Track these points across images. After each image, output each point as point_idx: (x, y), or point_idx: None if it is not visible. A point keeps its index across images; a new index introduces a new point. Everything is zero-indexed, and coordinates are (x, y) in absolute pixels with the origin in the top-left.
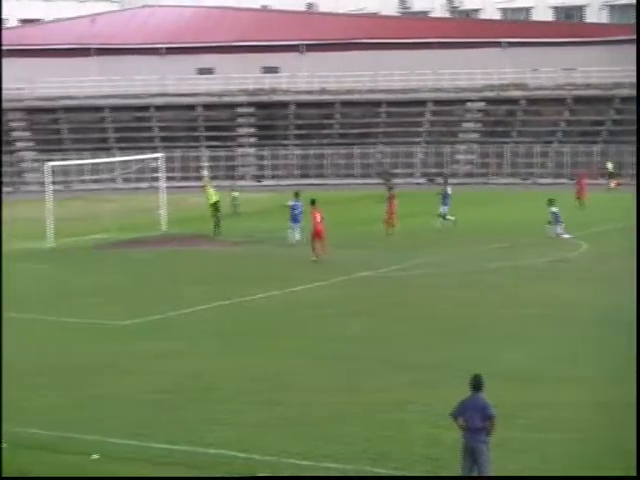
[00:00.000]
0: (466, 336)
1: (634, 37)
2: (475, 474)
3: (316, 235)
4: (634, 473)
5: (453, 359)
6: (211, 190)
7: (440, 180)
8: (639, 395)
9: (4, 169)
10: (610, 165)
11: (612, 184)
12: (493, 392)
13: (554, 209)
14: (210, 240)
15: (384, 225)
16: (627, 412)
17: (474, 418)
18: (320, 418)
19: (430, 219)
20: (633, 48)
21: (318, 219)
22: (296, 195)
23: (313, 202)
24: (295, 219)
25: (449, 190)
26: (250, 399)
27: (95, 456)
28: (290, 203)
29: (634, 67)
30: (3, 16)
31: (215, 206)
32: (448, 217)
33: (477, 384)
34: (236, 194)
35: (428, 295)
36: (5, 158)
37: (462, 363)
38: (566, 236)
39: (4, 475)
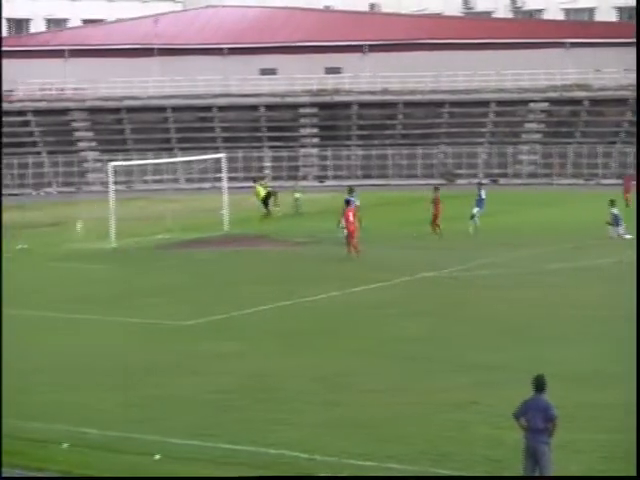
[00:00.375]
0: (529, 337)
1: (634, 40)
2: (537, 475)
3: (350, 236)
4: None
5: (516, 360)
6: (259, 187)
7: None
8: (639, 395)
9: (67, 169)
10: None
11: None
12: (556, 393)
13: (615, 210)
14: (272, 240)
15: (430, 226)
16: None
17: (536, 419)
18: (381, 419)
19: (490, 220)
20: None
21: (351, 219)
22: (350, 191)
23: (348, 202)
24: None
25: (483, 194)
26: (312, 399)
27: (157, 456)
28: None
29: None
30: (66, 16)
31: (265, 200)
32: (475, 219)
33: (540, 385)
34: (298, 195)
35: (491, 296)
36: (68, 158)
37: (525, 364)
38: (628, 237)
39: (6, 475)
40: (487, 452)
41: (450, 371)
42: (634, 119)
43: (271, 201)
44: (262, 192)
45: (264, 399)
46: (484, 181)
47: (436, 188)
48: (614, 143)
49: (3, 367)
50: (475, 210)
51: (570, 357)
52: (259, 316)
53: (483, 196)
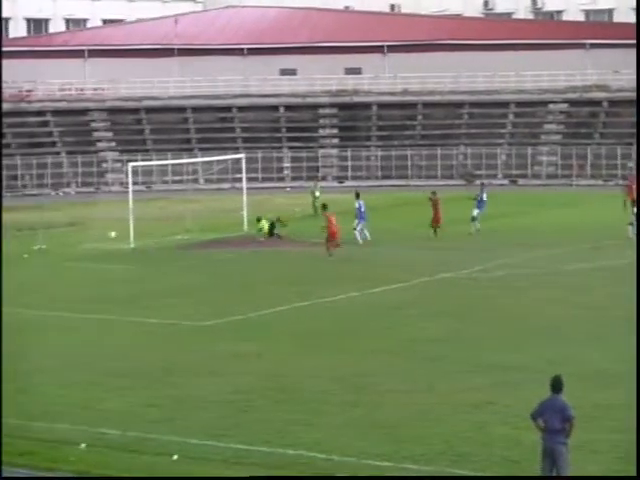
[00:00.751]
0: (547, 337)
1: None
2: (554, 475)
3: (332, 236)
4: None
5: (534, 360)
6: (263, 222)
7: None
8: (639, 395)
9: (86, 169)
10: None
11: None
12: (573, 393)
13: (636, 210)
14: (291, 241)
15: (431, 228)
16: None
17: (553, 419)
18: (400, 419)
19: (508, 220)
20: None
21: (334, 221)
22: (357, 195)
23: (325, 207)
24: (362, 217)
25: (484, 196)
26: (330, 400)
27: (175, 457)
28: (356, 205)
29: None
30: (86, 16)
31: (271, 231)
32: (477, 222)
33: (557, 385)
34: (318, 193)
35: (509, 296)
36: (87, 158)
37: (543, 364)
38: None
39: (6, 475)
40: (505, 453)
41: (469, 371)
42: None
43: (277, 227)
44: (265, 226)
45: (282, 400)
46: (504, 182)
47: (433, 192)
48: (632, 144)
49: (19, 367)
50: (475, 212)
51: (588, 357)
52: (278, 317)
53: (484, 198)
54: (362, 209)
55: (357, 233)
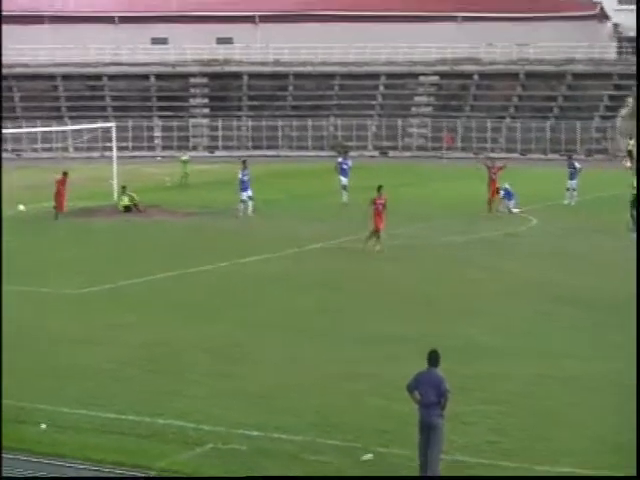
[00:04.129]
0: (423, 309)
1: (592, 13)
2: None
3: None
4: (634, 473)
5: (409, 332)
6: (123, 196)
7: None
8: (639, 394)
9: None
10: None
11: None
12: (446, 366)
13: (506, 185)
14: (163, 211)
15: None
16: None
17: (429, 393)
18: (272, 390)
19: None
20: (587, 24)
21: (63, 192)
22: (244, 164)
23: (65, 174)
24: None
25: (350, 162)
26: (202, 371)
27: (43, 426)
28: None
29: (587, 44)
30: None
31: (127, 208)
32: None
33: (433, 359)
34: (186, 158)
35: (385, 268)
36: None
37: (417, 336)
38: (516, 210)
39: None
40: (377, 423)
41: (342, 343)
42: (523, 94)
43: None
44: (125, 201)
45: (155, 370)
46: (375, 153)
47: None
48: (503, 118)
49: None
50: (345, 180)
51: (460, 330)
52: (148, 286)
53: (350, 164)
54: (246, 178)
55: (241, 205)
